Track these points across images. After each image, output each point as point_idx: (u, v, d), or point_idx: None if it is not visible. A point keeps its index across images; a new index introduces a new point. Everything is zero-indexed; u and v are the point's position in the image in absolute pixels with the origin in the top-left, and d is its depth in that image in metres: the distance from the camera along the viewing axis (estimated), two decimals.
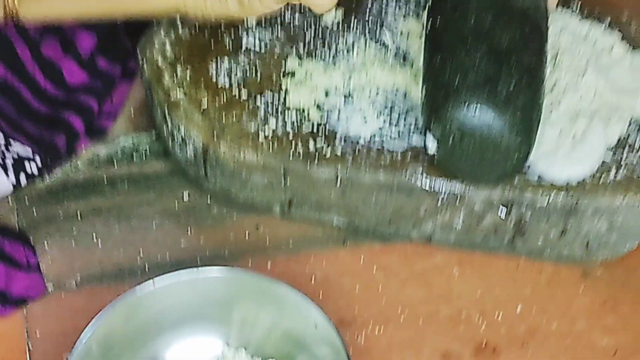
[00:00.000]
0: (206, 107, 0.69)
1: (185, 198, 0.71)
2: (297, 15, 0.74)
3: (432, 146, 0.65)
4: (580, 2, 0.76)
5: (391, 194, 0.67)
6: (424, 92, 0.66)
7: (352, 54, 0.72)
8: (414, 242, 0.69)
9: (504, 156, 0.64)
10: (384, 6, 0.74)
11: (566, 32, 0.73)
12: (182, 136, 0.69)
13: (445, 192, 0.66)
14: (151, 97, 0.71)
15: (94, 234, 0.69)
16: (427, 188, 0.66)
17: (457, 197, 0.66)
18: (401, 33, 0.73)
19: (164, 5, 0.64)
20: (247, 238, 0.70)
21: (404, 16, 0.74)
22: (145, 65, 0.71)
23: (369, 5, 0.74)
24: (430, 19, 0.68)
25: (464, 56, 0.64)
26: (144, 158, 0.73)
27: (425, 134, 0.65)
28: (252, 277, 0.61)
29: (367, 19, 0.74)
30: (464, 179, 0.66)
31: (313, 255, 0.69)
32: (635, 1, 0.82)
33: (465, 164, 0.65)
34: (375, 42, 0.72)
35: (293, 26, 0.73)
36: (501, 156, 0.64)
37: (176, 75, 0.70)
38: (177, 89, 0.70)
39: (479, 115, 0.62)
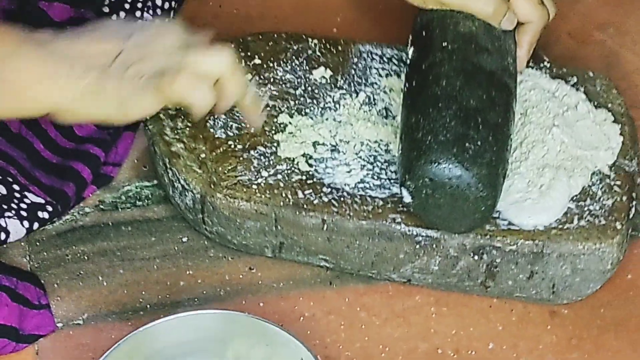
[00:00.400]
0: (204, 158, 0.75)
1: (185, 241, 0.77)
2: (288, 74, 0.80)
3: (407, 198, 0.71)
4: (549, 63, 0.83)
5: (373, 239, 0.72)
6: (399, 149, 0.72)
7: (339, 109, 0.77)
8: (394, 283, 0.75)
9: (473, 208, 0.70)
10: (368, 65, 0.80)
11: (536, 89, 0.79)
12: (181, 185, 0.75)
13: (422, 238, 0.72)
14: (153, 148, 0.77)
15: (99, 275, 0.75)
16: (405, 234, 0.72)
17: (433, 242, 0.72)
18: (384, 91, 0.79)
19: (33, 108, 0.65)
20: (241, 278, 0.75)
21: (387, 75, 0.80)
22: (148, 119, 0.77)
23: (354, 64, 0.80)
24: (407, 81, 0.75)
25: (435, 116, 0.70)
26: (147, 204, 0.79)
27: (400, 187, 0.71)
28: (246, 318, 0.68)
29: (352, 76, 0.79)
30: (438, 227, 0.72)
31: (302, 295, 0.74)
32: (598, 62, 0.90)
33: (437, 215, 0.71)
34: (360, 99, 0.78)
35: (284, 83, 0.79)
36: (470, 208, 0.70)
37: (177, 128, 0.76)
38: (178, 141, 0.76)
39: (448, 172, 0.69)
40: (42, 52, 0.65)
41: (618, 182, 0.75)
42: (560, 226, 0.72)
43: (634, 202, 0.75)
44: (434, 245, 0.72)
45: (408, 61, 0.77)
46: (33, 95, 0.65)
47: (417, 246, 0.72)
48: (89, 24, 0.69)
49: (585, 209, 0.73)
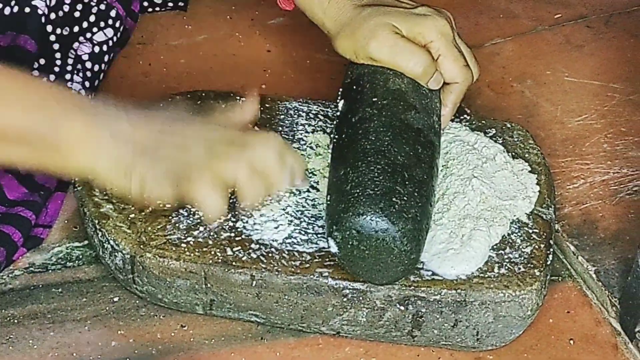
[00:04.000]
0: (133, 218, 0.78)
1: (116, 301, 0.79)
2: None
3: (333, 249, 0.74)
4: (469, 115, 0.88)
5: (302, 294, 0.76)
6: (327, 201, 0.75)
7: None
8: (324, 335, 0.78)
9: (397, 260, 0.73)
10: (294, 121, 0.85)
11: (456, 142, 0.84)
12: (111, 245, 0.78)
13: (349, 291, 0.76)
14: (83, 210, 0.80)
15: (30, 339, 0.76)
16: (333, 288, 0.75)
17: (360, 295, 0.75)
18: (310, 147, 0.83)
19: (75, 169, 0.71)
20: (173, 337, 0.78)
21: (314, 131, 0.84)
22: (77, 180, 0.80)
23: (281, 121, 0.85)
24: (337, 133, 0.79)
25: (364, 170, 0.74)
26: (77, 264, 0.81)
27: (327, 238, 0.74)
28: None
29: (279, 133, 0.83)
30: (363, 278, 0.75)
31: (234, 351, 0.77)
32: (518, 112, 0.96)
33: (362, 266, 0.74)
34: None
35: None
36: (394, 260, 0.73)
37: (105, 189, 0.79)
38: (107, 202, 0.79)
39: (375, 225, 0.72)
40: (88, 116, 0.70)
41: (536, 230, 0.79)
42: (482, 275, 0.76)
43: (552, 249, 0.79)
44: (361, 298, 0.76)
45: (338, 113, 0.80)
46: (76, 158, 0.70)
47: (345, 299, 0.76)
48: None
49: (505, 257, 0.78)
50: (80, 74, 0.89)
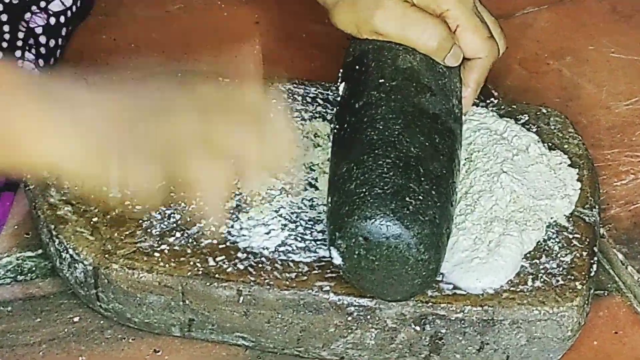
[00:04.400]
0: (96, 222, 0.78)
1: (76, 321, 0.79)
2: None
3: (337, 260, 0.74)
4: (497, 99, 0.89)
5: (298, 312, 0.75)
6: (328, 203, 0.75)
7: None
8: None
9: (413, 272, 0.73)
10: (288, 107, 0.84)
11: (482, 131, 0.84)
12: (70, 255, 0.77)
13: (355, 309, 0.75)
14: (36, 212, 0.79)
15: None
16: (335, 305, 0.75)
17: (367, 313, 0.75)
18: (307, 136, 0.83)
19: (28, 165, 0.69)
20: None
21: (311, 118, 0.85)
22: (29, 178, 0.79)
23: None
24: (337, 123, 0.78)
25: (371, 165, 0.74)
26: (30, 278, 0.81)
27: (329, 248, 0.74)
28: None
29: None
30: (372, 294, 0.75)
31: None
32: (554, 96, 0.96)
33: (372, 280, 0.74)
34: None
35: None
36: (410, 272, 0.73)
37: (63, 187, 0.79)
38: (65, 203, 0.78)
39: (385, 230, 0.72)
40: (41, 97, 0.67)
41: (577, 235, 0.79)
42: (513, 289, 0.76)
43: (596, 258, 0.79)
44: (369, 317, 0.75)
45: (338, 99, 0.79)
46: (27, 151, 0.67)
47: (350, 318, 0.75)
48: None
49: (541, 267, 0.77)
50: (33, 50, 0.88)
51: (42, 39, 0.89)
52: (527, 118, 0.86)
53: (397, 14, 0.78)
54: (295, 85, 0.87)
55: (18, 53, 0.88)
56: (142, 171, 0.69)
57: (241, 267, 0.76)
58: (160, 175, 0.69)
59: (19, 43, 0.88)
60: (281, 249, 0.77)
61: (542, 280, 0.77)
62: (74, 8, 0.92)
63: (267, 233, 0.78)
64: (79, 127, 0.68)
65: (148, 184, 0.69)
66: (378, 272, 0.73)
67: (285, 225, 0.78)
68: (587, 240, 0.79)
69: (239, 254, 0.77)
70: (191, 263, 0.76)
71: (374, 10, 0.78)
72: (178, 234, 0.77)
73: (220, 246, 0.77)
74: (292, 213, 0.79)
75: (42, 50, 0.89)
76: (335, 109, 0.80)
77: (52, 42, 0.90)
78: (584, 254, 0.78)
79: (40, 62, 0.89)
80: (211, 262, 0.76)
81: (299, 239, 0.78)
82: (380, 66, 0.78)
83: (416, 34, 0.78)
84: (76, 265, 0.77)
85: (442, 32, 0.78)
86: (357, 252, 0.73)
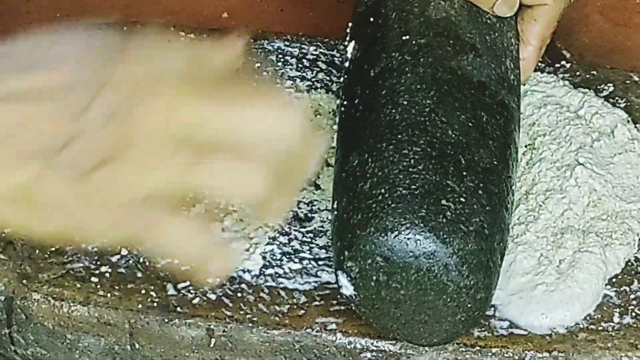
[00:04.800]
0: (10, 235, 0.71)
1: None
2: None
3: (347, 289, 0.67)
4: (570, 63, 0.84)
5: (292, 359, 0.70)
6: (333, 210, 0.69)
7: None
8: None
9: (454, 304, 0.67)
10: (278, 72, 0.81)
11: (549, 106, 0.82)
12: None
13: (372, 355, 0.70)
14: None
15: None
16: (345, 349, 0.71)
17: None
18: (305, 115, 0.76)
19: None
20: None
21: (310, 88, 0.84)
22: None
23: (256, 70, 0.78)
24: (345, 98, 0.74)
25: (392, 156, 0.68)
26: None
27: (336, 272, 0.67)
28: None
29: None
30: (397, 336, 0.69)
31: None
32: None
33: (396, 315, 0.69)
34: None
35: None
36: (450, 303, 0.67)
37: None
38: None
39: (414, 247, 0.67)
40: None
41: None
42: (593, 327, 0.73)
43: None
44: None
45: (346, 65, 0.78)
46: None
47: None
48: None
49: (632, 297, 0.74)
50: None
51: None
52: (612, 89, 0.85)
53: None
54: (288, 43, 0.86)
55: None
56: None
57: (213, 296, 0.73)
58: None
59: None
60: (268, 271, 0.74)
61: (633, 315, 0.74)
62: None
63: (248, 250, 0.74)
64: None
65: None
66: (404, 306, 0.70)
67: (274, 238, 0.76)
68: None
69: (210, 279, 0.69)
70: (143, 292, 0.73)
71: None
72: (124, 251, 0.72)
73: (183, 268, 0.69)
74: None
75: None
76: (342, 78, 0.78)
77: None
78: None
79: None
80: (171, 291, 0.74)
81: (294, 257, 0.75)
82: (404, 18, 0.77)
83: None
84: None
85: None
86: (374, 278, 0.70)
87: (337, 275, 0.70)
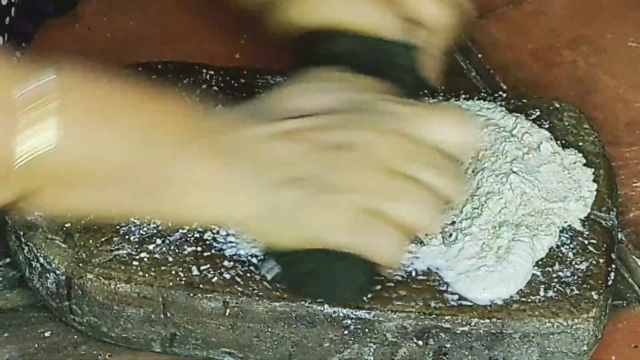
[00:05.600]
0: (69, 228, 0.79)
1: (47, 336, 0.81)
2: None
3: (271, 272, 0.77)
4: (506, 92, 0.90)
5: (290, 325, 0.78)
6: None
7: None
8: None
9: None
10: None
11: (489, 127, 0.85)
12: (41, 264, 0.79)
13: (351, 322, 0.77)
14: (3, 218, 0.81)
15: None
16: (330, 317, 0.77)
17: (365, 326, 0.77)
18: None
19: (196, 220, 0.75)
20: None
21: None
22: None
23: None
24: None
25: None
26: None
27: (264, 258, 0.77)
28: None
29: None
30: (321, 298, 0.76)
31: None
32: (569, 89, 0.97)
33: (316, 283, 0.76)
34: None
35: None
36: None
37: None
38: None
39: None
40: (217, 156, 0.71)
41: (593, 241, 0.81)
42: (524, 299, 0.78)
43: (614, 265, 0.81)
44: (367, 330, 0.77)
45: None
46: (197, 207, 0.72)
47: (346, 332, 0.77)
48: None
49: (554, 276, 0.79)
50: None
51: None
52: (538, 113, 0.88)
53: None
54: (287, 79, 0.85)
55: None
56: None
57: (227, 276, 0.78)
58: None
59: None
60: None
61: (555, 289, 0.78)
62: None
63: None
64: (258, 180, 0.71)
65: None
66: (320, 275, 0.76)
67: None
68: (604, 246, 0.81)
69: (225, 262, 0.79)
70: (173, 272, 0.78)
71: None
72: (159, 241, 0.79)
73: (205, 254, 0.79)
74: None
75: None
76: None
77: (4, 0, 0.89)
78: (601, 261, 0.80)
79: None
80: (195, 272, 0.78)
81: None
82: None
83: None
84: (47, 275, 0.79)
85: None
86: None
87: (265, 261, 0.78)
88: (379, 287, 0.77)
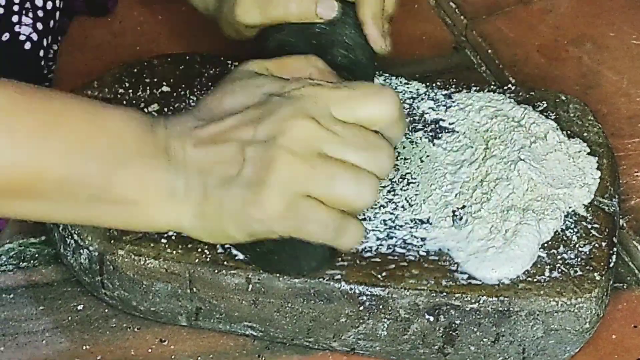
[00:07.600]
0: None
1: (80, 309, 0.81)
2: None
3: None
4: (515, 85, 0.90)
5: (308, 301, 0.78)
6: None
7: None
8: (335, 352, 0.80)
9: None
10: None
11: (499, 118, 0.86)
12: (75, 241, 0.79)
13: (366, 298, 0.77)
14: None
15: None
16: (347, 294, 0.77)
17: (380, 303, 0.77)
18: None
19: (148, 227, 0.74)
20: (150, 353, 0.79)
21: None
22: None
23: None
24: None
25: None
26: (33, 265, 0.83)
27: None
28: None
29: None
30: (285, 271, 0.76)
31: None
32: (574, 83, 0.97)
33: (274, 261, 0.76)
34: None
35: None
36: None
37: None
38: None
39: None
40: (157, 167, 0.71)
41: (596, 225, 0.81)
42: (530, 279, 0.78)
43: (615, 249, 0.81)
44: (381, 306, 0.77)
45: None
46: (143, 218, 0.73)
47: (361, 308, 0.77)
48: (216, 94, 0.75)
49: (559, 257, 0.79)
50: (30, 14, 0.88)
51: (39, 2, 0.90)
52: (545, 105, 0.88)
53: None
54: None
55: (14, 18, 0.88)
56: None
57: None
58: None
59: (15, 8, 0.88)
60: None
61: (559, 270, 0.78)
62: None
63: None
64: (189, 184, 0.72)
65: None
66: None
67: None
68: (607, 230, 0.81)
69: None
70: (199, 250, 0.78)
71: None
72: None
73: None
74: None
75: (40, 13, 0.89)
76: None
77: (49, 4, 0.90)
78: (603, 244, 0.80)
79: (39, 26, 0.89)
80: (219, 249, 0.78)
81: None
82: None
83: None
84: (81, 251, 0.79)
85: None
86: (257, 249, 0.75)
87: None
88: (443, 281, 0.77)
